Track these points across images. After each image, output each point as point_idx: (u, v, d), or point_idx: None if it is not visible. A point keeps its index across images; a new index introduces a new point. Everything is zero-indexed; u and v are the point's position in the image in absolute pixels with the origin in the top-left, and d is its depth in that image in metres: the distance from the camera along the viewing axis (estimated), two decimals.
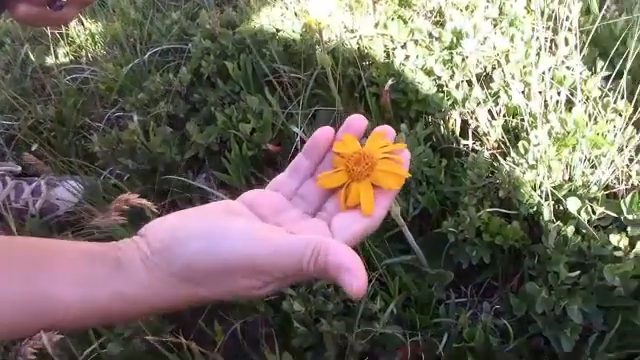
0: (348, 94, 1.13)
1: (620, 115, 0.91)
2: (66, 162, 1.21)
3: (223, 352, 0.84)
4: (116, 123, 1.32)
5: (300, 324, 0.82)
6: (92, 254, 0.42)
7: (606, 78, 0.98)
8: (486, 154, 0.95)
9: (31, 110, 1.32)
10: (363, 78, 1.09)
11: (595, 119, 0.92)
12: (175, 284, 0.40)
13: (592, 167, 0.89)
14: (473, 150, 0.99)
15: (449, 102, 1.04)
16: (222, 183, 1.13)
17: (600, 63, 1.00)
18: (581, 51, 1.00)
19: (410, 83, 1.07)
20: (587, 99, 0.96)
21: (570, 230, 0.81)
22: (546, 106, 0.96)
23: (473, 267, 0.87)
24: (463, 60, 1.07)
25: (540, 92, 0.95)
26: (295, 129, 1.05)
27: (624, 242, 0.76)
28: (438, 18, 1.21)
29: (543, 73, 0.97)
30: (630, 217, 0.81)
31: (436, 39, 1.12)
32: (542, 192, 0.86)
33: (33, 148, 1.22)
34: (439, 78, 1.07)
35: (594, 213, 0.84)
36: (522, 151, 0.91)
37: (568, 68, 1.01)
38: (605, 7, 1.09)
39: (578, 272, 0.75)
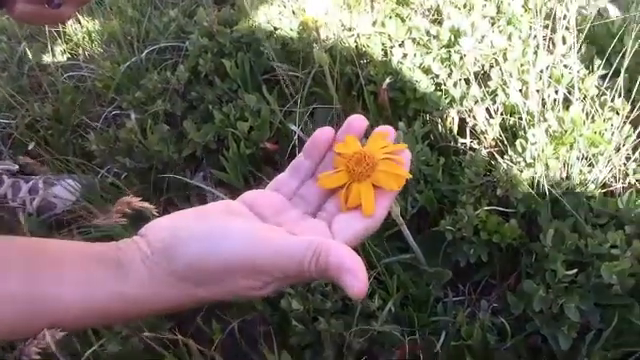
0: (346, 92, 1.13)
1: (617, 113, 0.91)
2: (63, 160, 1.21)
3: (221, 350, 0.84)
4: (113, 121, 1.32)
5: (298, 322, 0.82)
6: (92, 254, 0.42)
7: (603, 76, 0.98)
8: (484, 152, 0.96)
9: (28, 108, 1.32)
10: (361, 76, 1.09)
11: (592, 117, 0.92)
12: (175, 284, 0.41)
13: (589, 165, 0.89)
14: (471, 148, 0.99)
15: (447, 100, 1.04)
16: (220, 181, 1.13)
17: (597, 61, 1.00)
18: (578, 49, 1.00)
19: (408, 81, 1.07)
20: (584, 97, 0.96)
21: (567, 228, 0.81)
22: (543, 104, 0.96)
23: (471, 265, 0.87)
24: (461, 58, 1.07)
25: (538, 90, 0.96)
26: (293, 127, 1.05)
27: (621, 240, 0.76)
28: (436, 16, 1.21)
29: (541, 71, 0.98)
30: (627, 215, 0.82)
31: (434, 37, 1.12)
32: (540, 190, 0.86)
33: (30, 147, 1.22)
34: (437, 76, 1.07)
35: (591, 211, 0.84)
36: (520, 149, 0.91)
37: (565, 66, 1.02)
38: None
39: (575, 270, 0.76)
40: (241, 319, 0.88)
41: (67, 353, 0.78)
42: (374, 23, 1.19)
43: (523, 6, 1.15)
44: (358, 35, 1.18)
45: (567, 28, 1.00)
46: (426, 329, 0.83)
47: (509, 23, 1.14)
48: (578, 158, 0.89)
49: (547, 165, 0.88)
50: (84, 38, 1.55)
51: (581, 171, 0.89)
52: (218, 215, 0.43)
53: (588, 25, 1.00)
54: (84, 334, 0.82)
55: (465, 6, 1.19)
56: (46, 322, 0.40)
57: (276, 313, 0.88)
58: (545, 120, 0.93)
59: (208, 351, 0.81)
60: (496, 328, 0.81)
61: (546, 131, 0.92)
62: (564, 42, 1.03)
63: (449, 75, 1.06)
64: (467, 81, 1.05)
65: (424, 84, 1.06)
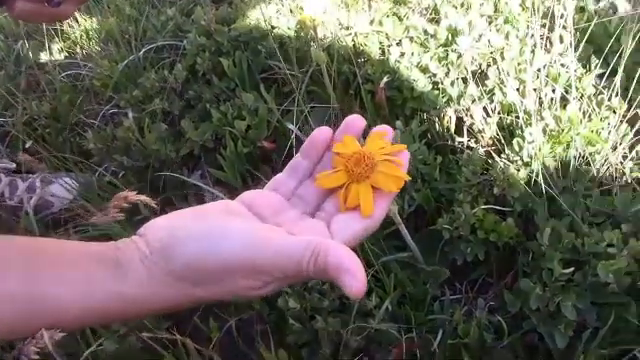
0: (343, 91, 1.13)
1: (614, 112, 0.92)
2: (61, 159, 1.20)
3: (218, 349, 0.84)
4: (111, 120, 1.32)
5: (295, 321, 0.82)
6: (91, 254, 0.42)
7: (600, 75, 0.98)
8: (481, 151, 0.96)
9: (26, 106, 1.32)
10: (358, 75, 1.09)
11: (589, 116, 0.92)
12: (173, 284, 0.41)
13: (586, 164, 0.90)
14: (468, 147, 0.99)
15: (444, 99, 1.04)
16: (217, 180, 1.13)
17: (594, 61, 1.00)
18: (576, 49, 1.00)
19: (405, 80, 1.07)
20: (581, 96, 0.96)
21: (564, 227, 0.81)
22: (541, 103, 0.96)
23: (468, 264, 0.88)
24: (458, 57, 1.07)
25: (535, 89, 0.96)
26: (290, 126, 1.05)
27: (618, 239, 0.77)
28: (433, 15, 1.21)
29: (538, 70, 0.98)
30: (624, 214, 0.82)
31: (431, 36, 1.12)
32: (536, 189, 0.86)
33: (27, 145, 1.22)
34: (434, 75, 1.07)
35: (588, 210, 0.84)
36: (517, 148, 0.92)
37: (563, 65, 1.02)
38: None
39: (572, 269, 0.76)
40: (238, 318, 0.88)
41: (65, 353, 0.78)
42: (372, 22, 1.19)
43: (520, 5, 1.15)
44: (356, 34, 1.18)
45: (564, 27, 1.01)
46: (423, 327, 0.83)
47: (506, 22, 1.14)
48: (575, 157, 0.89)
49: (544, 164, 0.88)
50: (82, 36, 1.55)
51: (578, 170, 0.89)
52: (217, 215, 0.43)
53: (591, 24, 1.00)
54: (82, 333, 0.82)
55: (462, 5, 1.19)
56: (45, 322, 0.40)
57: (273, 312, 0.88)
58: (542, 119, 0.93)
59: (206, 350, 0.82)
60: (493, 326, 0.81)
61: (543, 130, 0.92)
62: (561, 41, 1.03)
63: (446, 74, 1.07)
64: (464, 80, 1.05)
65: (421, 83, 1.06)
